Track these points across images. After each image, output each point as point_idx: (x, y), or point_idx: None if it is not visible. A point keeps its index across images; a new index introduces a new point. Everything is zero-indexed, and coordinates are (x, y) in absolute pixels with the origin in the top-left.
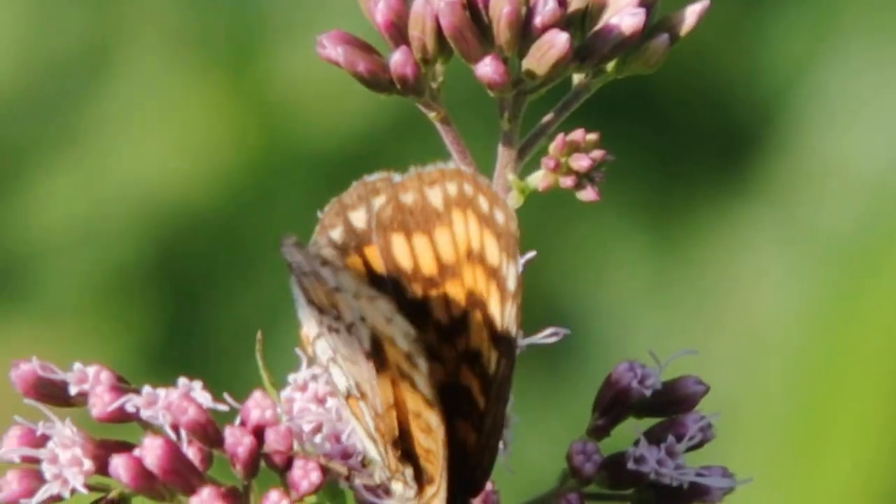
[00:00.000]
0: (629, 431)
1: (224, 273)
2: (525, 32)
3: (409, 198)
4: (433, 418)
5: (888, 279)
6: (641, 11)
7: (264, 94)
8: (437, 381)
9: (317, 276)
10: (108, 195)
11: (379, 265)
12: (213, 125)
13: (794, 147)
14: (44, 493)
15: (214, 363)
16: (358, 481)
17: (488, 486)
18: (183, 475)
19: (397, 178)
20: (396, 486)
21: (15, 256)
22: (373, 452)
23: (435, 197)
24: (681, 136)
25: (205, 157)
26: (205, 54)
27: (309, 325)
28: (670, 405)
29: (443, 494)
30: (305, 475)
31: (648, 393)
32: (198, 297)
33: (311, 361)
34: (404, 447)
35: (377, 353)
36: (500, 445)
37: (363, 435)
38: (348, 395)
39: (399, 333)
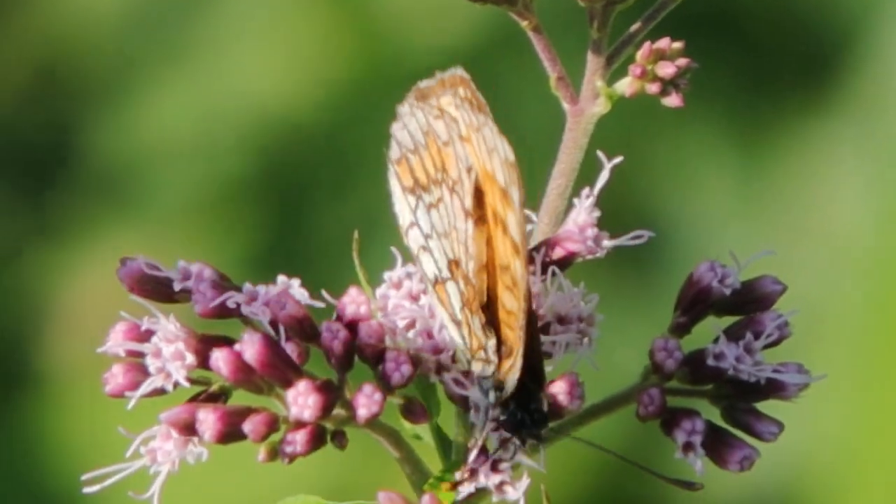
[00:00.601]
0: (710, 330)
1: (326, 183)
2: None
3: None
4: (519, 266)
5: None
6: None
7: (368, 10)
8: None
9: (428, 137)
10: (218, 107)
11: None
12: (319, 41)
13: (873, 68)
14: (148, 385)
15: (316, 268)
16: (447, 375)
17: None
18: (280, 369)
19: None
20: (476, 367)
21: (128, 165)
22: (456, 337)
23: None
24: (766, 56)
25: (310, 71)
26: None
27: (403, 216)
28: (749, 304)
29: (518, 364)
30: (397, 367)
31: (728, 292)
32: (301, 206)
33: (406, 259)
34: (489, 316)
35: (478, 206)
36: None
37: (448, 320)
38: (436, 282)
39: (499, 164)
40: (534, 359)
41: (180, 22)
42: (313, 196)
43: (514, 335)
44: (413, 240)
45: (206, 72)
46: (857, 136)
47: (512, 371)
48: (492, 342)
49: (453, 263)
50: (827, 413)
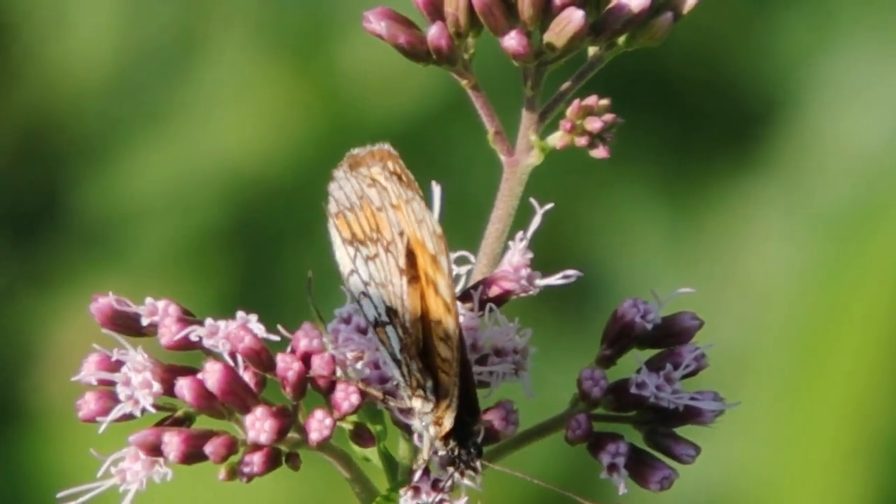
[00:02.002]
0: (632, 362)
1: (291, 234)
2: (546, 9)
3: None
4: (451, 322)
5: (877, 246)
6: None
7: (330, 77)
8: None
9: (362, 201)
10: (194, 167)
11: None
12: (286, 106)
13: (797, 127)
14: (118, 411)
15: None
16: (392, 403)
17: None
18: (239, 396)
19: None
20: (416, 403)
21: (111, 219)
22: (397, 374)
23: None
24: (695, 117)
25: (277, 132)
26: (279, 42)
27: (343, 264)
28: (669, 338)
29: (454, 405)
30: (346, 397)
31: (650, 327)
32: (269, 257)
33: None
34: (425, 363)
35: (410, 266)
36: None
37: (389, 359)
38: (376, 325)
39: (428, 234)
40: (468, 393)
41: (159, 88)
42: (279, 247)
43: (450, 380)
44: (353, 286)
45: (183, 133)
46: (781, 194)
47: (449, 411)
48: (429, 384)
49: (391, 311)
50: (749, 448)
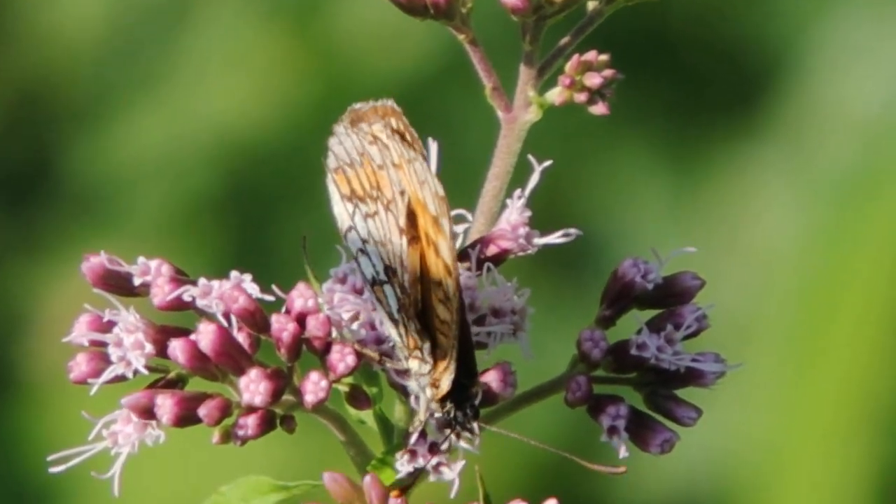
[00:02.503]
0: (632, 323)
1: (287, 201)
2: None
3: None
4: (451, 284)
5: (880, 211)
6: None
7: (327, 40)
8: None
9: (363, 158)
10: (187, 131)
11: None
12: (281, 69)
13: (799, 92)
14: (109, 373)
15: (277, 276)
16: (388, 364)
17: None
18: (233, 357)
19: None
20: (413, 364)
21: (104, 184)
22: (394, 335)
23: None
24: (696, 79)
25: (272, 95)
26: (275, 3)
27: (342, 219)
28: (670, 298)
29: (452, 367)
30: (342, 358)
31: (650, 286)
32: (263, 221)
33: (350, 258)
34: (423, 323)
35: (411, 226)
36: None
37: (386, 319)
38: (374, 283)
39: (430, 195)
40: (466, 354)
41: (153, 51)
42: (274, 212)
43: (448, 342)
44: (351, 242)
45: (177, 97)
46: (783, 158)
47: (447, 373)
48: (427, 345)
49: (390, 270)
50: (754, 416)
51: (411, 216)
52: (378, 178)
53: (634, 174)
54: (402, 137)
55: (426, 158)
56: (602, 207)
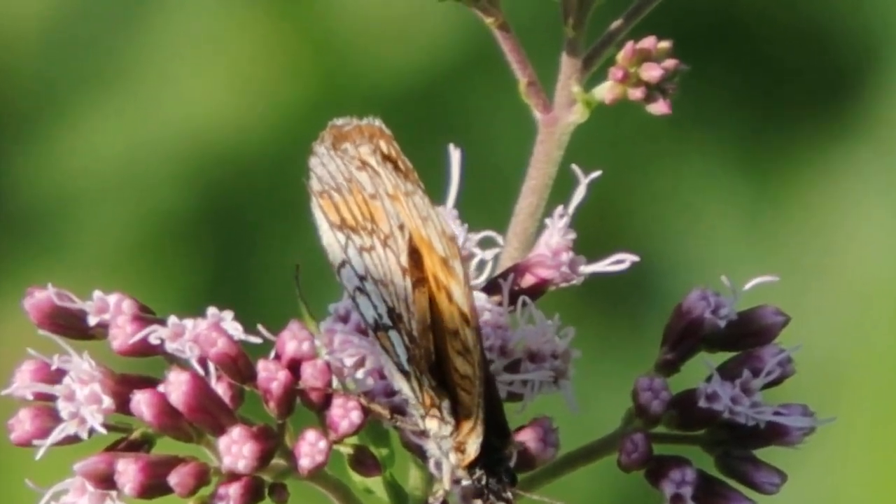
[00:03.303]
0: (701, 368)
1: (274, 219)
2: None
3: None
4: (470, 335)
5: None
6: None
7: (320, 27)
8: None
9: (351, 184)
10: (152, 138)
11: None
12: (267, 60)
13: None
14: (59, 433)
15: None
16: (401, 424)
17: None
18: (211, 413)
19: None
20: (431, 425)
21: (52, 201)
22: (406, 390)
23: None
24: (778, 73)
25: (255, 93)
26: None
27: (332, 252)
28: (746, 337)
29: (480, 429)
30: (345, 414)
31: (722, 324)
32: (246, 245)
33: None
34: (440, 378)
35: (415, 267)
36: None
37: (394, 370)
38: (377, 328)
39: (435, 234)
40: (494, 411)
41: (111, 40)
42: (259, 234)
43: (472, 399)
44: (347, 279)
45: (141, 96)
46: (884, 166)
47: (473, 435)
48: (446, 403)
49: (394, 313)
50: (848, 482)
51: (415, 255)
52: (371, 209)
53: (702, 186)
54: (395, 165)
55: (425, 192)
56: (662, 228)
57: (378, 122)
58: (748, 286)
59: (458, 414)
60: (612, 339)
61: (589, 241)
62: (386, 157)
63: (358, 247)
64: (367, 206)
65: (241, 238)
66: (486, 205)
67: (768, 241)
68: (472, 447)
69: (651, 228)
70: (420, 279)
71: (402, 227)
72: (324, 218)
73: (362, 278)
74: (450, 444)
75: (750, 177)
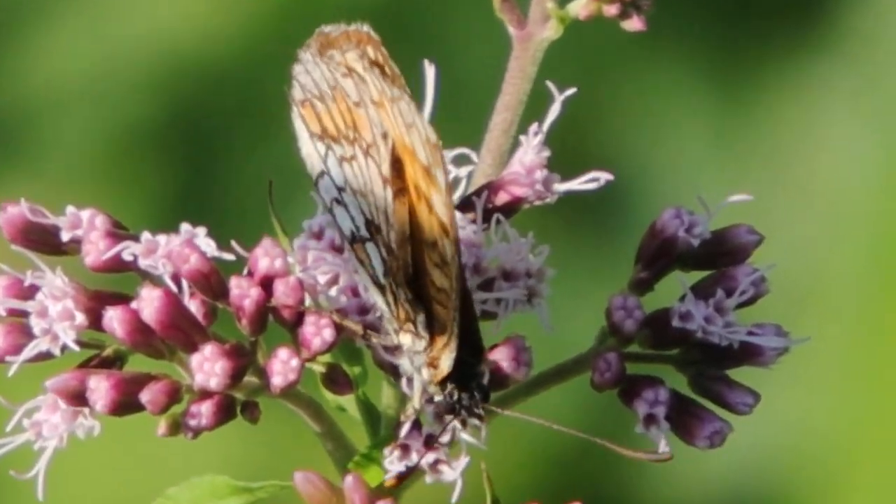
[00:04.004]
0: (675, 287)
1: (243, 129)
2: None
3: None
4: (448, 247)
5: None
6: None
7: None
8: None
9: (335, 92)
10: (120, 47)
11: None
12: None
13: None
14: (32, 349)
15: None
16: (374, 340)
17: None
18: (183, 330)
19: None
20: (405, 339)
21: (14, 115)
22: (381, 303)
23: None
24: None
25: (226, 3)
26: None
27: (311, 162)
28: (720, 257)
29: (454, 344)
30: (317, 332)
31: (696, 243)
32: (215, 158)
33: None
34: (416, 291)
35: (397, 176)
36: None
37: (370, 283)
38: (354, 240)
39: (419, 142)
40: (469, 328)
41: None
42: (229, 144)
43: (447, 314)
44: (324, 190)
45: (107, 4)
46: (853, 78)
47: (447, 350)
48: (421, 317)
49: (372, 225)
50: (819, 402)
51: (397, 164)
52: (355, 117)
53: (672, 101)
54: (382, 71)
55: (412, 97)
56: (634, 144)
57: (366, 28)
58: (720, 206)
59: (433, 329)
60: (586, 257)
61: (562, 160)
62: (373, 63)
63: (339, 157)
64: (351, 114)
65: (211, 148)
66: (461, 121)
67: (737, 158)
68: (446, 362)
69: (623, 145)
70: (401, 189)
71: (385, 136)
72: (304, 127)
73: (341, 189)
74: (423, 360)
75: (719, 91)
